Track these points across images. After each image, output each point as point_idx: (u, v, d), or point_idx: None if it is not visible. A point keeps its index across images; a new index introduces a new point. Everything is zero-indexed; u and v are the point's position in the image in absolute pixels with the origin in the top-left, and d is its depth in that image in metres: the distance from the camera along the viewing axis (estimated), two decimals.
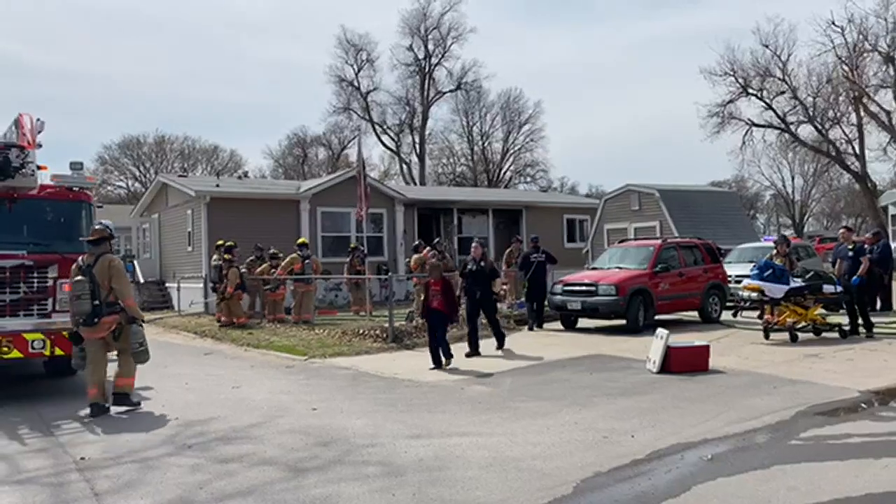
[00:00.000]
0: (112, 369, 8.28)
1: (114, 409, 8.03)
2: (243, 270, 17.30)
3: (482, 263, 11.74)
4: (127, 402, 8.16)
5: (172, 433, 6.99)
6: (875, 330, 12.29)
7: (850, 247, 12.91)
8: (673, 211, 24.29)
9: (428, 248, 17.31)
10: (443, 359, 10.52)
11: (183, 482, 5.45)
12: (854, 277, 12.32)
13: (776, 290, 12.01)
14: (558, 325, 15.18)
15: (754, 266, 12.95)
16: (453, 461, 5.79)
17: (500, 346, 11.97)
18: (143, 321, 8.46)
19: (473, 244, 12.20)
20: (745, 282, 12.68)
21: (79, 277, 7.94)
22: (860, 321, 12.31)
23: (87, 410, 7.91)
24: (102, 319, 7.91)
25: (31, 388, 9.88)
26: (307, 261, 16.92)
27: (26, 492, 5.38)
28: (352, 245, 19.84)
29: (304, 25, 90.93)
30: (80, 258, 8.24)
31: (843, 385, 8.35)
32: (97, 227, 8.40)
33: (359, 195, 17.69)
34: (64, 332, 8.66)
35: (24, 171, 8.57)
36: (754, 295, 12.37)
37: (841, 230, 13.96)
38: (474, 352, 11.52)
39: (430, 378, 9.73)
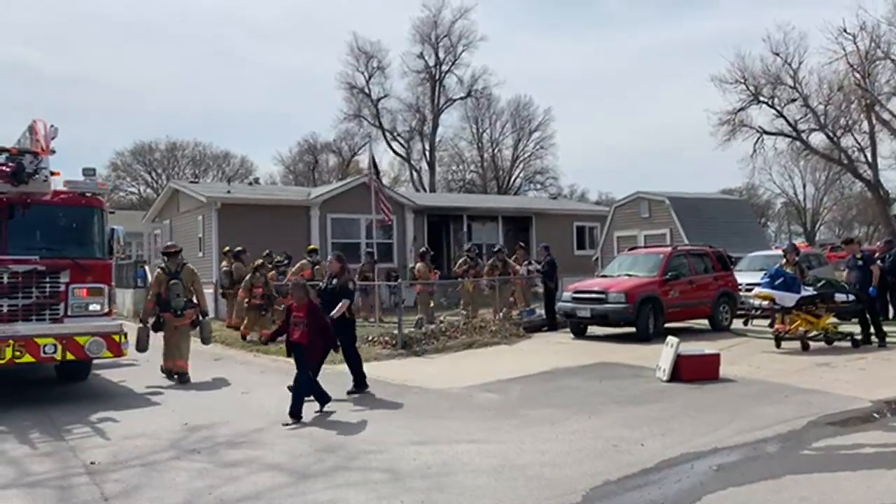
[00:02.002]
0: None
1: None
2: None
3: (334, 281, 9.37)
4: (186, 378, 10.49)
5: (181, 437, 7.01)
6: (888, 339, 12.18)
7: (858, 256, 12.82)
8: (683, 218, 24.20)
9: (421, 260, 17.29)
10: (300, 411, 7.66)
11: (190, 486, 5.46)
12: (871, 288, 12.23)
13: (787, 299, 11.94)
14: (568, 331, 15.16)
15: (765, 274, 12.88)
16: (461, 468, 5.77)
17: (356, 389, 9.26)
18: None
19: (329, 257, 10.01)
20: (756, 290, 12.61)
21: (175, 281, 10.71)
22: (872, 330, 12.22)
23: (176, 379, 10.46)
24: (187, 312, 10.74)
25: (43, 392, 9.92)
26: (317, 267, 16.94)
27: (36, 495, 5.41)
28: (368, 250, 19.78)
29: (316, 33, 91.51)
30: (163, 265, 11.10)
31: (855, 395, 8.27)
32: (170, 242, 11.73)
33: (381, 202, 17.64)
34: (76, 338, 8.79)
35: (37, 176, 8.67)
36: (765, 303, 12.30)
37: (846, 245, 13.91)
38: (357, 389, 9.27)
39: (438, 385, 9.71)
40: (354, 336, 9.59)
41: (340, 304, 9.09)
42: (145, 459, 6.26)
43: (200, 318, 10.95)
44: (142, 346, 10.64)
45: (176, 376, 10.52)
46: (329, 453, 6.32)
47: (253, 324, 15.01)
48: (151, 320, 10.86)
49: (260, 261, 15.80)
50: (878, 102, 34.03)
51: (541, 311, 17.00)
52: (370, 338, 13.59)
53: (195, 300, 10.94)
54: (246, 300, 15.20)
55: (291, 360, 12.35)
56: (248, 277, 15.43)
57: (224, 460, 6.17)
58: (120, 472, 5.88)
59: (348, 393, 9.10)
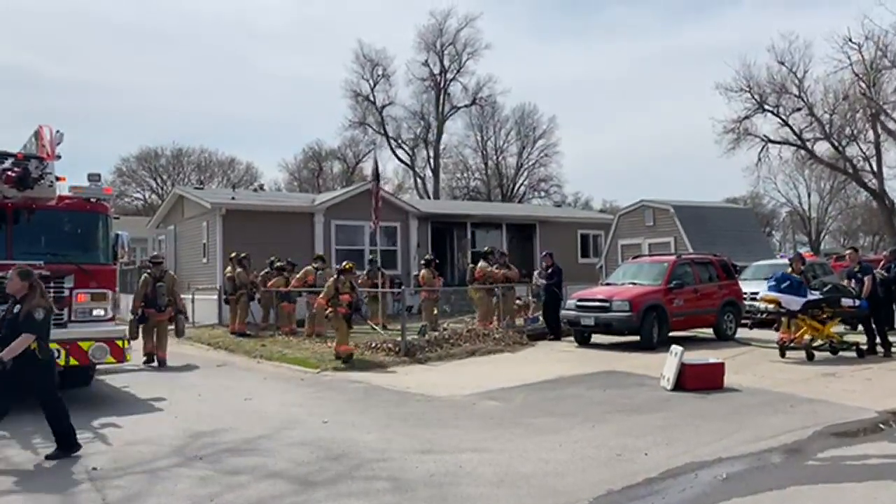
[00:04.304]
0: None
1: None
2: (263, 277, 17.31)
3: (18, 307, 6.63)
4: (165, 364, 13.08)
5: (183, 444, 6.99)
6: (893, 349, 12.12)
7: (856, 269, 12.78)
8: (688, 227, 24.16)
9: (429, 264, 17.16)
10: None
11: (192, 494, 5.44)
12: (862, 301, 12.18)
13: (793, 303, 11.90)
14: (571, 339, 15.13)
15: (771, 278, 12.87)
16: (464, 477, 5.74)
17: (58, 451, 6.59)
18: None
19: (10, 272, 6.89)
20: (763, 293, 12.58)
21: (160, 283, 13.53)
22: (878, 340, 12.16)
23: (144, 360, 13.10)
24: (167, 310, 13.51)
25: None
26: (319, 272, 16.98)
27: (38, 501, 5.40)
28: (370, 258, 19.65)
29: (321, 40, 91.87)
30: (148, 272, 13.79)
31: (860, 405, 8.23)
32: (155, 253, 15.34)
33: (373, 207, 17.61)
34: (79, 343, 8.82)
35: (42, 182, 8.68)
36: (771, 307, 12.26)
37: (848, 251, 13.86)
38: None
39: (442, 392, 9.68)
40: (51, 382, 6.85)
41: (19, 339, 6.38)
42: (147, 466, 6.24)
43: (177, 315, 13.70)
44: (132, 335, 12.04)
45: (156, 362, 13.19)
46: (332, 461, 6.29)
47: (346, 336, 12.83)
48: (139, 313, 13.37)
49: (347, 264, 13.58)
50: (884, 111, 33.97)
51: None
52: (373, 345, 13.57)
53: (175, 301, 13.76)
54: (329, 309, 12.81)
55: (295, 367, 12.47)
56: (330, 282, 13.23)
57: (226, 468, 6.15)
58: (122, 479, 5.87)
59: (47, 458, 6.52)
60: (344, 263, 13.73)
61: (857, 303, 12.12)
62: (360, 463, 6.21)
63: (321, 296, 13.28)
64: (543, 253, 17.47)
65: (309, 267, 17.15)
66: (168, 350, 13.62)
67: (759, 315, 13.00)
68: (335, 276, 13.37)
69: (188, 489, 5.56)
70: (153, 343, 13.37)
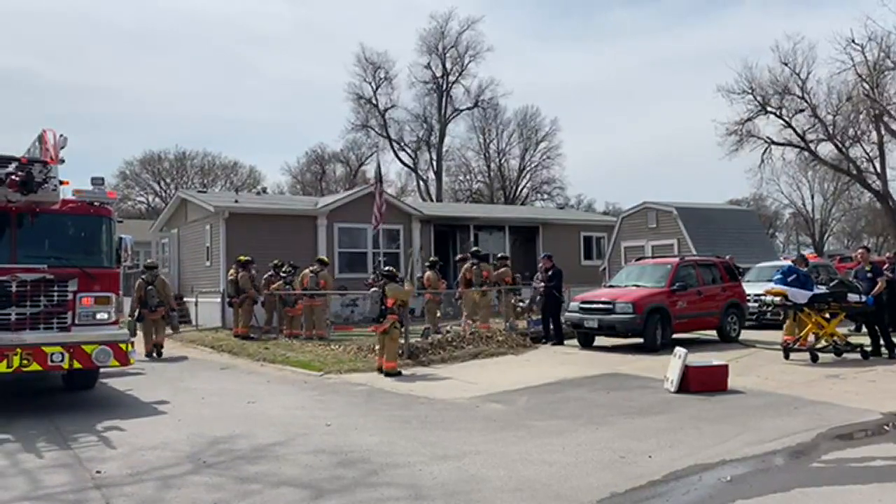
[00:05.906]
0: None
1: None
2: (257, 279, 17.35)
3: None
4: (162, 347, 15.15)
5: (189, 449, 6.97)
6: None
7: (868, 268, 12.77)
8: (691, 229, 24.13)
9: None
10: None
11: (201, 500, 5.42)
12: (869, 297, 12.16)
13: (799, 296, 11.89)
14: (574, 342, 15.11)
15: (778, 271, 12.88)
16: (468, 481, 5.73)
17: None
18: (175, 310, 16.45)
19: None
20: (769, 286, 12.59)
21: (150, 287, 15.30)
22: (882, 342, 12.14)
23: (144, 354, 14.45)
24: (158, 309, 15.24)
25: (49, 400, 9.94)
26: (312, 276, 16.99)
27: None
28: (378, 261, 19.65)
29: (324, 44, 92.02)
30: (142, 277, 15.59)
31: (865, 407, 8.21)
32: (150, 260, 17.12)
33: (376, 207, 17.61)
34: (83, 346, 8.83)
35: (46, 186, 8.70)
36: (777, 299, 12.25)
37: (859, 251, 13.85)
38: None
39: (445, 395, 9.67)
40: None
41: None
42: (155, 472, 6.20)
43: (169, 313, 15.65)
44: (129, 331, 12.35)
45: (154, 353, 14.88)
46: (341, 467, 6.26)
47: (396, 350, 11.97)
48: (136, 314, 15.10)
49: (395, 271, 12.77)
50: (887, 112, 33.91)
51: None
52: (376, 347, 13.56)
53: (166, 301, 15.58)
54: (393, 318, 11.82)
55: (299, 370, 12.47)
56: (407, 288, 12.27)
57: (235, 474, 6.12)
58: (129, 485, 5.84)
59: None
60: (390, 270, 12.71)
61: (864, 299, 12.09)
62: (368, 468, 6.18)
63: (407, 302, 11.98)
64: (542, 255, 17.35)
65: (306, 270, 17.19)
66: (172, 353, 15.25)
67: (766, 308, 12.98)
68: (406, 285, 12.07)
69: (195, 495, 5.54)
70: (152, 341, 15.03)
